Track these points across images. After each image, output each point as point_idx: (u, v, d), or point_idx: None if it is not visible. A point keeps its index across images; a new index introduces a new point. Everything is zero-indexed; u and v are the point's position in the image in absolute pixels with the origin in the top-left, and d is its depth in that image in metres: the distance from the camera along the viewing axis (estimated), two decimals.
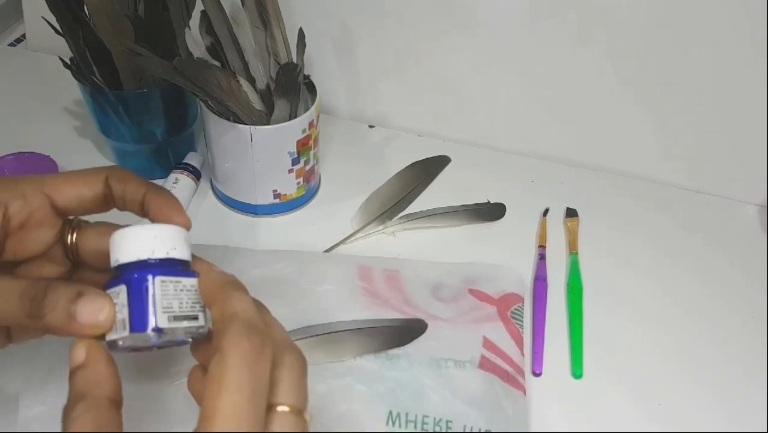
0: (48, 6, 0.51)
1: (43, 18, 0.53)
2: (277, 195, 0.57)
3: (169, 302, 0.30)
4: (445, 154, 0.66)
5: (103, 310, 0.29)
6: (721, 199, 0.64)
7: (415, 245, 0.57)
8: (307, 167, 0.57)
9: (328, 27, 0.65)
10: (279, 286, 0.49)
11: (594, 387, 0.47)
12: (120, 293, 0.30)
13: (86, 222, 0.36)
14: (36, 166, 0.59)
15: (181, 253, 0.31)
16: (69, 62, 0.55)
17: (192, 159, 0.60)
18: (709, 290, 0.55)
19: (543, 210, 0.61)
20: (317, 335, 0.45)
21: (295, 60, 0.52)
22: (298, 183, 0.57)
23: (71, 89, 0.58)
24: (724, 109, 0.60)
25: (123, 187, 0.34)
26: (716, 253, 0.59)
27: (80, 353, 0.29)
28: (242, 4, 0.52)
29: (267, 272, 0.50)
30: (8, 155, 0.59)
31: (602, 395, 0.47)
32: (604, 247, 0.58)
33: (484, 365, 0.45)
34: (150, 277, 0.30)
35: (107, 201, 0.35)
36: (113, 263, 0.31)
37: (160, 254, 0.30)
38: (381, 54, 0.66)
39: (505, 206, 0.61)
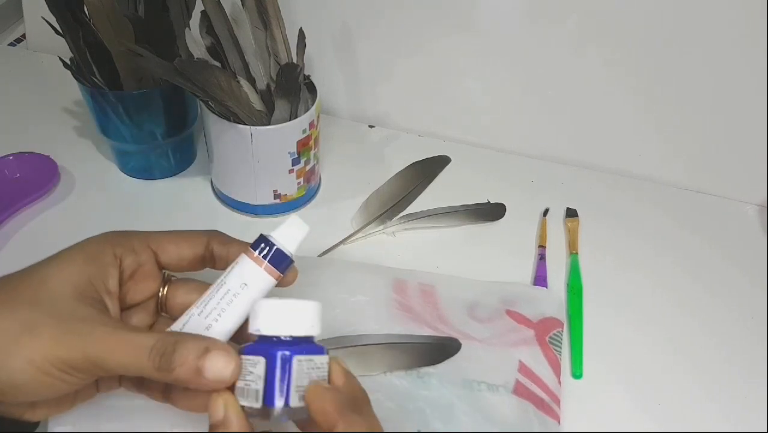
0: (48, 6, 0.51)
1: (43, 18, 0.52)
2: (277, 195, 0.57)
3: (301, 380, 0.31)
4: (445, 154, 0.66)
5: (229, 366, 0.31)
6: (721, 199, 0.64)
7: (415, 246, 0.57)
8: (308, 167, 0.57)
9: (328, 27, 0.65)
10: (312, 293, 0.46)
11: (594, 387, 0.47)
12: (257, 364, 0.31)
13: (175, 277, 0.39)
14: (36, 166, 0.59)
15: (317, 329, 0.33)
16: (69, 62, 0.55)
17: (287, 231, 0.36)
18: (709, 290, 0.55)
19: (543, 210, 0.61)
20: (347, 347, 0.44)
21: (295, 60, 0.52)
22: (299, 183, 0.57)
23: (71, 89, 0.58)
24: (723, 109, 0.60)
25: (226, 249, 0.37)
26: (716, 253, 0.59)
27: (219, 411, 0.31)
28: (242, 4, 0.52)
29: (300, 279, 0.48)
30: (8, 155, 0.59)
31: (602, 395, 0.47)
32: (604, 247, 0.58)
33: (519, 390, 0.44)
34: (290, 356, 0.31)
35: (204, 261, 0.37)
36: (254, 331, 0.32)
37: (299, 331, 0.32)
38: (381, 54, 0.66)
39: (505, 206, 0.61)
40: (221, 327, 0.34)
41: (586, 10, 0.58)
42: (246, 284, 0.34)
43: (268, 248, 0.35)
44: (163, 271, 0.38)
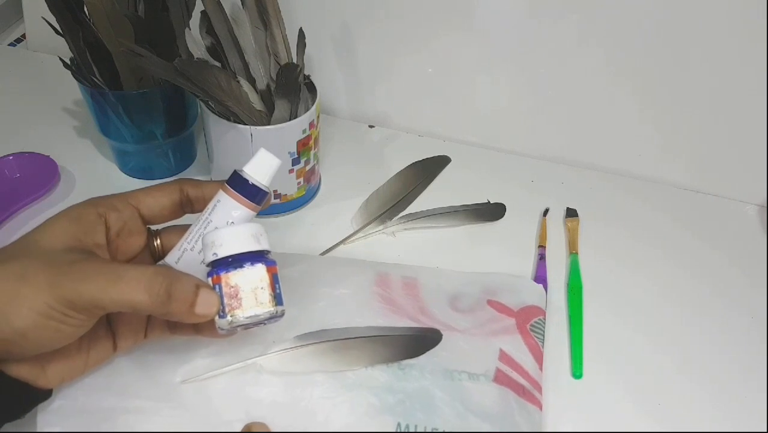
0: (48, 6, 0.51)
1: (43, 18, 0.53)
2: (277, 195, 0.57)
3: (236, 291, 0.34)
4: (445, 154, 0.66)
5: (215, 303, 0.34)
6: (721, 199, 0.64)
7: (415, 245, 0.57)
8: (308, 167, 0.57)
9: (328, 27, 0.65)
10: (295, 287, 0.47)
11: (594, 387, 0.47)
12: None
13: (161, 228, 0.42)
14: (36, 166, 0.59)
15: (246, 246, 0.35)
16: (69, 62, 0.55)
17: (259, 166, 0.39)
18: (709, 290, 0.55)
19: (543, 210, 0.61)
20: (330, 341, 0.44)
21: (295, 60, 0.53)
22: (299, 183, 0.57)
23: (71, 89, 0.58)
24: (724, 109, 0.60)
25: (201, 190, 0.40)
26: (716, 253, 0.59)
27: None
28: (242, 4, 0.52)
29: (284, 274, 0.48)
30: (8, 155, 0.59)
31: (602, 395, 0.47)
32: (604, 247, 0.58)
33: (499, 378, 0.44)
34: (219, 275, 0.34)
35: (182, 207, 0.40)
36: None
37: (223, 253, 0.34)
38: (381, 54, 0.66)
39: (505, 206, 0.61)
40: None
41: (587, 10, 0.58)
42: (230, 221, 0.37)
43: (244, 185, 0.38)
44: (148, 226, 0.40)
